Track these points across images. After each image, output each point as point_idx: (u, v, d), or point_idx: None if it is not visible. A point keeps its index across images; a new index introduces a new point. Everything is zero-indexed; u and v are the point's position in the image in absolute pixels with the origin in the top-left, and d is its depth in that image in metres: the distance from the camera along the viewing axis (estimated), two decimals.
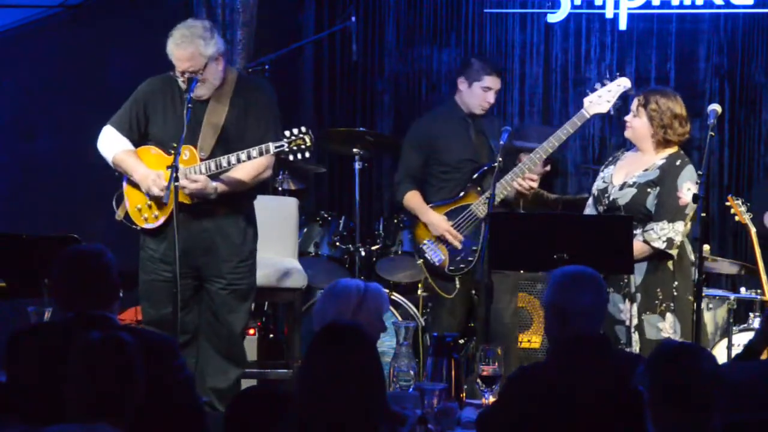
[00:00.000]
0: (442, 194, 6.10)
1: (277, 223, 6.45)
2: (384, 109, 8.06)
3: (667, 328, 5.13)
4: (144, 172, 5.23)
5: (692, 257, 5.26)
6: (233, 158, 5.13)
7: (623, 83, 5.64)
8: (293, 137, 5.06)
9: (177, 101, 5.29)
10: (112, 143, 5.35)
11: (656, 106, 5.22)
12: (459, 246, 5.97)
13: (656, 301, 5.14)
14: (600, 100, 5.64)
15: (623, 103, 5.73)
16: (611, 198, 5.25)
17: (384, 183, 8.06)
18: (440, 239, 6.02)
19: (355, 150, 6.78)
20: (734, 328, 6.18)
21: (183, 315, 5.27)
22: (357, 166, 6.79)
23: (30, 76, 7.66)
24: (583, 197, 6.99)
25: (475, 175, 6.04)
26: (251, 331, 6.65)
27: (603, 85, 5.65)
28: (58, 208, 7.35)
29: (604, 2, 7.70)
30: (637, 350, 5.10)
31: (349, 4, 7.60)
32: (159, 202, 5.19)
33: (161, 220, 5.26)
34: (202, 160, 5.19)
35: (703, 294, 5.46)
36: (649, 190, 5.19)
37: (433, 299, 6.36)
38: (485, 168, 6.03)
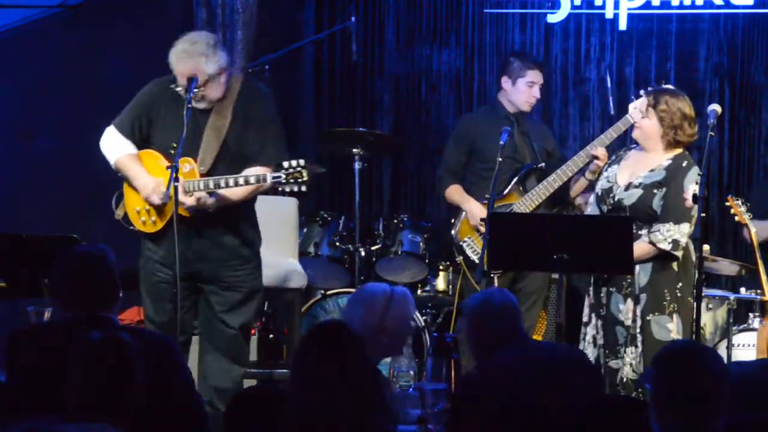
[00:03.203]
0: (482, 192, 6.11)
1: (277, 223, 6.45)
2: (384, 109, 8.05)
3: (675, 329, 5.11)
4: (144, 181, 5.23)
5: (694, 258, 5.26)
6: (231, 181, 5.13)
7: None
8: (291, 169, 5.05)
9: (180, 107, 5.24)
10: (115, 146, 5.35)
11: (666, 107, 5.19)
12: None
13: (665, 302, 5.13)
14: None
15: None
16: (616, 198, 5.22)
17: (384, 183, 8.06)
18: (481, 236, 6.08)
19: (355, 150, 6.79)
20: (734, 328, 6.18)
21: (180, 315, 5.28)
22: (357, 166, 6.79)
23: (30, 76, 7.66)
24: None
25: (518, 175, 6.09)
26: (251, 331, 6.64)
27: (648, 91, 5.68)
28: (58, 208, 7.35)
29: (604, 2, 7.70)
30: (641, 351, 5.10)
31: (349, 4, 7.60)
32: (158, 208, 5.19)
33: (160, 227, 5.27)
34: (202, 175, 5.20)
35: (703, 294, 5.47)
36: (655, 191, 5.15)
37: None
38: (528, 168, 6.08)
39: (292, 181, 5.05)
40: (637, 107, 5.48)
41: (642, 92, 5.56)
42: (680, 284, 5.16)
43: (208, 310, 5.37)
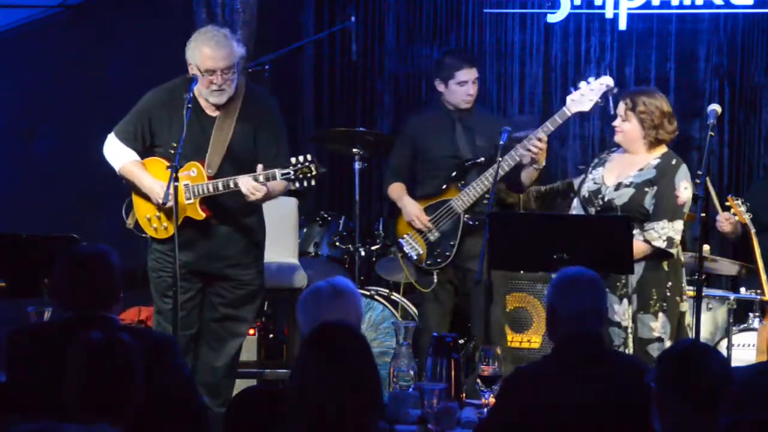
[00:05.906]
0: (427, 190, 6.13)
1: (277, 223, 6.45)
2: (384, 109, 8.06)
3: (659, 327, 5.11)
4: (150, 183, 5.28)
5: (683, 257, 5.29)
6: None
7: (605, 81, 5.61)
8: (299, 165, 5.08)
9: (183, 113, 5.24)
10: (118, 154, 5.39)
11: (645, 108, 5.17)
12: (432, 236, 6.01)
13: (651, 301, 5.12)
14: (583, 99, 5.61)
15: (605, 102, 5.68)
16: (606, 199, 5.20)
17: (384, 183, 8.06)
18: (419, 233, 6.07)
19: (355, 150, 6.79)
20: (734, 328, 6.18)
21: (190, 309, 5.35)
22: (357, 166, 6.79)
23: (30, 76, 7.67)
24: (567, 182, 7.03)
25: (455, 171, 6.06)
26: (251, 331, 6.66)
27: (588, 83, 5.63)
28: (58, 208, 7.36)
29: (603, 2, 7.70)
30: (631, 350, 5.09)
31: (349, 4, 7.60)
32: (169, 211, 5.22)
33: (172, 233, 5.29)
34: (209, 177, 5.23)
35: (703, 294, 5.47)
36: (646, 189, 5.15)
37: (417, 295, 6.38)
38: (467, 164, 6.06)
39: (301, 176, 5.08)
40: (574, 100, 5.51)
41: (615, 90, 5.54)
42: (670, 284, 5.16)
43: (212, 310, 5.43)
